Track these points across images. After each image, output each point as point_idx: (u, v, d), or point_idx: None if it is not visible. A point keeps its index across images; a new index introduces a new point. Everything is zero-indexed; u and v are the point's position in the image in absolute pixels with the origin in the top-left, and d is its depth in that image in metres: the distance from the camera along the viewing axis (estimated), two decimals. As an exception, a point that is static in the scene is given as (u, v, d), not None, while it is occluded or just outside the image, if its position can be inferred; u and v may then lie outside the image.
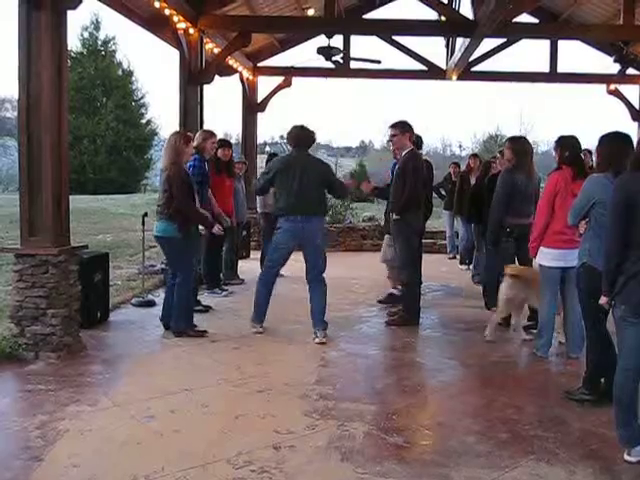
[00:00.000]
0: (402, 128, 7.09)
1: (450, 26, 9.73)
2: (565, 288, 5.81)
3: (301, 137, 6.48)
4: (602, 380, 4.62)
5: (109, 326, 6.72)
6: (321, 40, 11.34)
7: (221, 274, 8.73)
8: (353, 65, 12.79)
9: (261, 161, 15.89)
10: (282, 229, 6.41)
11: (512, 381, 5.34)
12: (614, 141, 4.42)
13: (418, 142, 8.44)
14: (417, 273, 7.30)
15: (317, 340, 6.23)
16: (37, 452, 3.72)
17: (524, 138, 7.46)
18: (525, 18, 11.42)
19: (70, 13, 5.63)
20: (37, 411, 4.33)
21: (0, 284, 8.14)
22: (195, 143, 7.11)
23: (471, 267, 10.36)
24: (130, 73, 33.60)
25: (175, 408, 4.44)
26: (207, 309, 7.42)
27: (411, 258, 7.12)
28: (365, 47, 13.03)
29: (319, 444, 3.90)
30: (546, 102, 56.49)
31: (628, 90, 13.09)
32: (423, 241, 8.87)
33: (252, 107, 13.43)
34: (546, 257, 5.71)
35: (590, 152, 9.79)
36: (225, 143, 8.53)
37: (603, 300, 3.86)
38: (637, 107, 13.12)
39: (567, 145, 5.69)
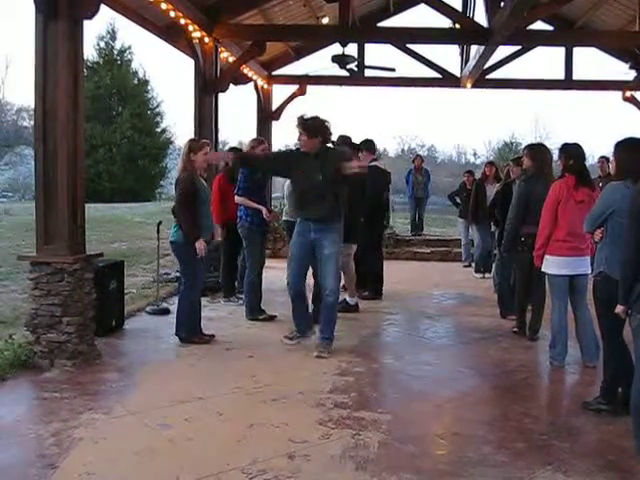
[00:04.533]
0: None
1: (464, 34, 9.70)
2: (574, 297, 5.77)
3: None
4: (619, 389, 4.57)
5: (124, 334, 6.74)
6: (336, 48, 11.37)
7: (236, 282, 8.71)
8: (368, 73, 12.82)
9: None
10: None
11: (528, 390, 5.29)
12: (630, 147, 4.37)
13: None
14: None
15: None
16: (52, 460, 3.73)
17: (542, 145, 7.38)
18: (540, 25, 11.40)
19: (86, 23, 5.67)
20: (52, 419, 4.34)
21: (16, 292, 8.20)
22: (246, 150, 7.55)
23: (487, 275, 10.30)
24: (146, 82, 33.89)
25: (189, 416, 4.43)
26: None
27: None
28: (379, 55, 13.07)
29: (334, 453, 3.88)
30: (561, 109, 56.17)
31: (644, 97, 13.00)
32: (438, 249, 8.87)
33: (267, 115, 13.44)
34: (551, 265, 5.67)
35: (608, 159, 9.73)
36: (237, 151, 8.54)
37: (619, 309, 3.82)
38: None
39: (571, 153, 5.67)
